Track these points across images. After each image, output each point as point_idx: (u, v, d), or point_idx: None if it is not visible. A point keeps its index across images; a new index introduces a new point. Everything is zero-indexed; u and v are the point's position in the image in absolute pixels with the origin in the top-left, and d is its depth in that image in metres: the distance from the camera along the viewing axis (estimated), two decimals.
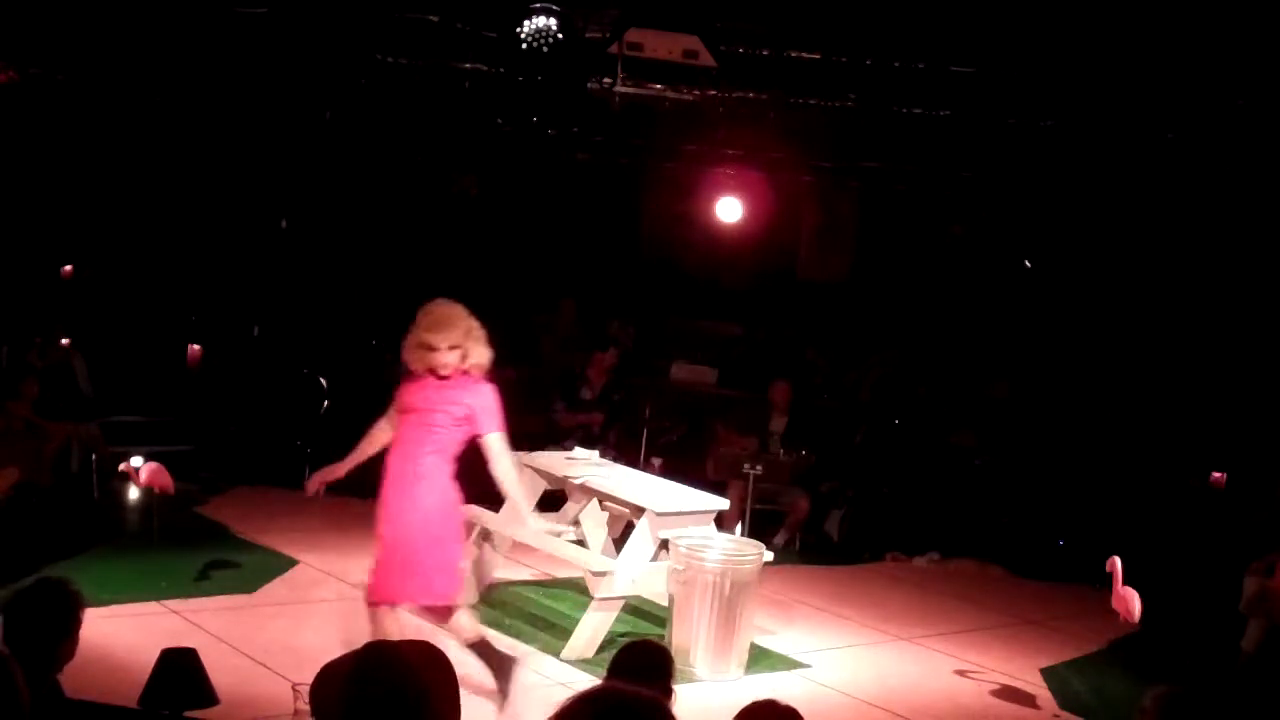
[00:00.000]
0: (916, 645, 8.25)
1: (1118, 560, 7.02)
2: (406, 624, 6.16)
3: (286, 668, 6.36)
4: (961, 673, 7.77)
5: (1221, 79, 8.95)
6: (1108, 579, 7.07)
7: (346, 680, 2.70)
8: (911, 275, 13.04)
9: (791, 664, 7.62)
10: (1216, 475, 10.27)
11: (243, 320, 12.40)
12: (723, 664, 7.17)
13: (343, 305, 12.25)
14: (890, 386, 11.94)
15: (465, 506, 6.77)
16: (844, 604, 8.98)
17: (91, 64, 10.12)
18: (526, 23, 8.78)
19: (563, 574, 8.59)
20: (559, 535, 7.28)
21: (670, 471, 9.43)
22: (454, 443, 5.98)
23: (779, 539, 10.18)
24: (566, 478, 8.04)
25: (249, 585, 8.07)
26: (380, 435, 6.17)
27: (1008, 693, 7.49)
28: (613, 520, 8.38)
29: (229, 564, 8.47)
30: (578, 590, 8.13)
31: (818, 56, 9.71)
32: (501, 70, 9.95)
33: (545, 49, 8.78)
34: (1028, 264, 12.47)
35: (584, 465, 8.33)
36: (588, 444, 9.39)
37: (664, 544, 7.39)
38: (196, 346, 11.50)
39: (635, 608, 7.96)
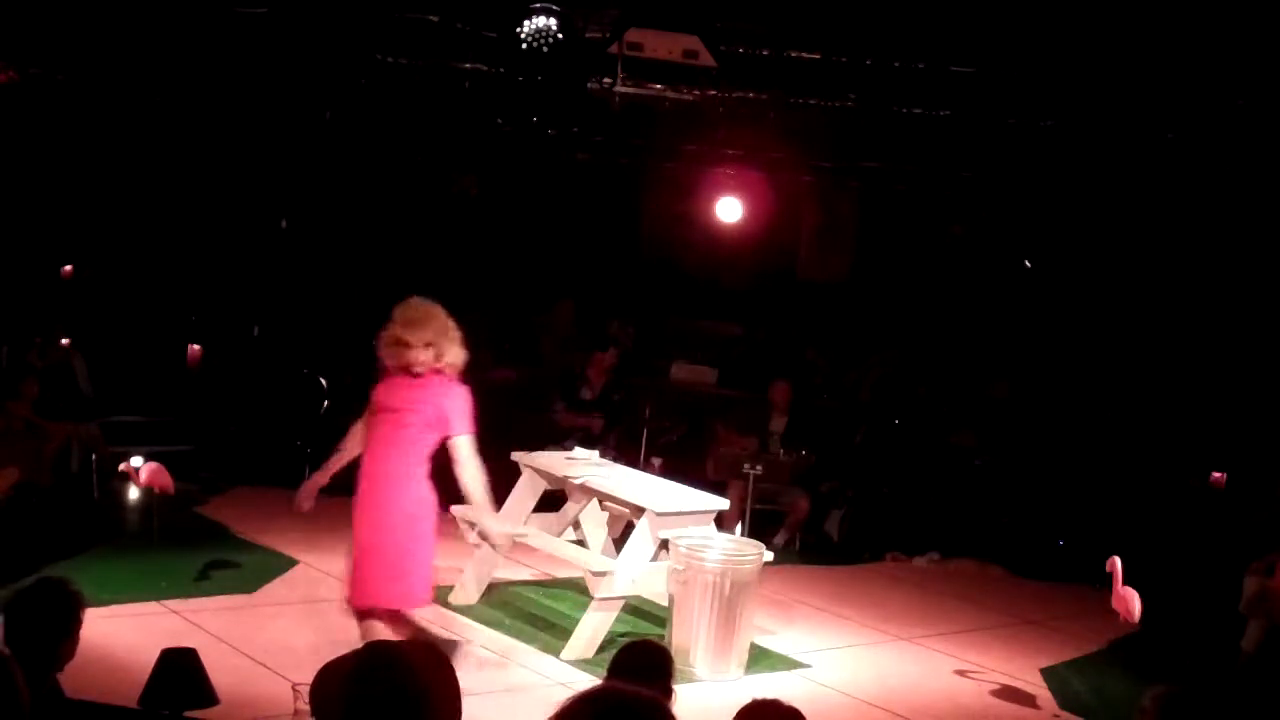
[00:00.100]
0: (916, 645, 8.25)
1: (1118, 560, 7.02)
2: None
3: (286, 668, 6.36)
4: (961, 673, 7.77)
5: (1221, 79, 8.94)
6: (1108, 579, 7.07)
7: (346, 680, 2.69)
8: (911, 275, 13.04)
9: (791, 664, 7.62)
10: (1216, 475, 10.27)
11: (243, 320, 12.40)
12: (723, 664, 7.17)
13: (343, 305, 12.25)
14: (890, 386, 11.94)
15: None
16: (844, 604, 8.98)
17: (91, 64, 10.12)
18: (526, 23, 8.78)
19: (563, 574, 8.59)
20: (521, 537, 7.41)
21: (670, 471, 9.44)
22: (428, 443, 5.97)
23: (779, 539, 10.18)
24: (566, 478, 8.04)
25: (249, 585, 8.07)
26: (361, 436, 6.18)
27: (1008, 693, 7.49)
28: (613, 520, 8.39)
29: (229, 564, 8.47)
30: (578, 590, 8.12)
31: (818, 56, 9.70)
32: (501, 70, 9.95)
33: (545, 49, 8.78)
34: (1028, 264, 12.48)
35: (584, 465, 8.33)
36: (588, 444, 9.39)
37: (664, 544, 7.39)
38: (196, 346, 11.50)
39: (635, 608, 7.96)
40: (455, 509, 6.89)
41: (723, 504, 7.84)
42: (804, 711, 3.05)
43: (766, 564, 7.45)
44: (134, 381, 11.17)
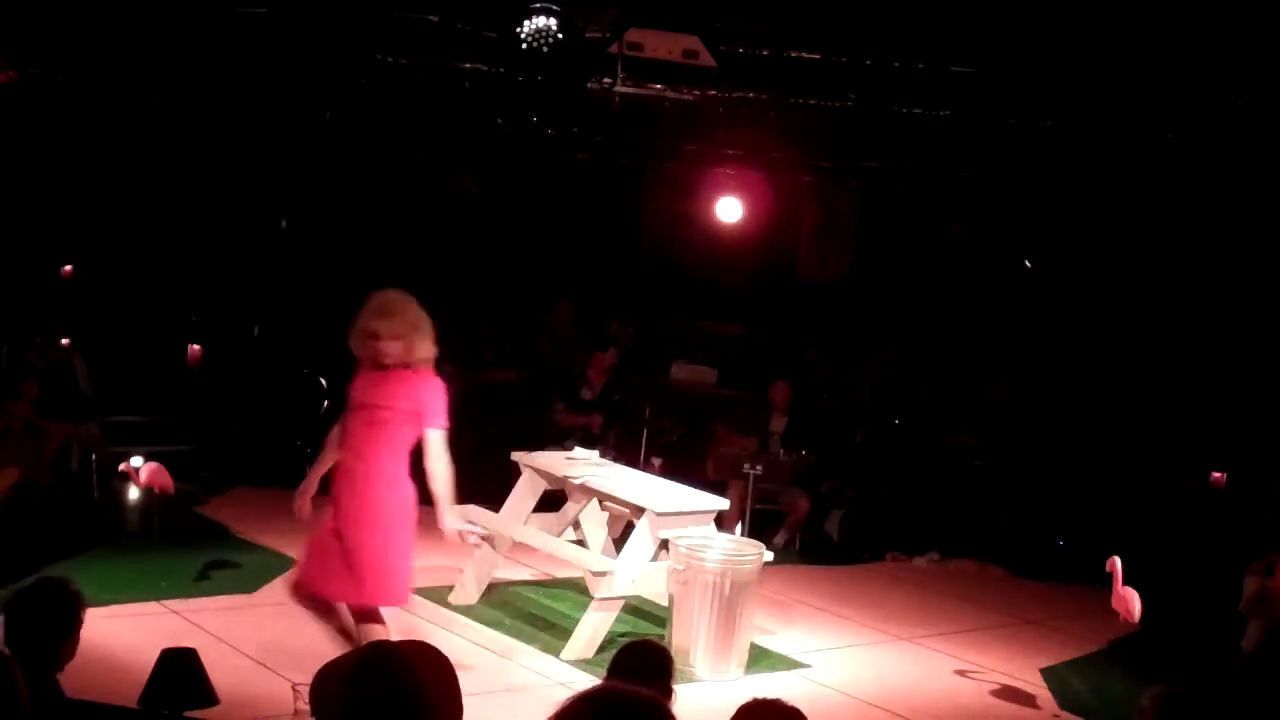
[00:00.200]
0: (916, 645, 8.25)
1: (1118, 560, 7.02)
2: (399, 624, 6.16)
3: (286, 668, 6.36)
4: (961, 673, 7.77)
5: (1221, 79, 8.94)
6: (1108, 579, 7.07)
7: (346, 680, 2.70)
8: (911, 275, 13.04)
9: (791, 664, 7.62)
10: (1216, 475, 10.27)
11: (243, 320, 12.39)
12: (723, 664, 7.17)
13: (343, 305, 12.22)
14: (890, 386, 11.94)
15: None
16: (844, 604, 8.98)
17: (91, 64, 10.12)
18: (526, 23, 8.78)
19: (563, 574, 8.59)
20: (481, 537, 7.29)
21: (670, 471, 9.43)
22: (406, 438, 5.95)
23: (779, 539, 10.18)
24: (566, 478, 8.04)
25: (249, 585, 8.07)
26: (339, 435, 6.16)
27: (1008, 693, 7.49)
28: (613, 520, 8.39)
29: (229, 564, 8.47)
30: (578, 590, 8.12)
31: (818, 56, 9.70)
32: (501, 70, 9.95)
33: (545, 49, 8.78)
34: (1028, 264, 12.48)
35: (584, 465, 8.32)
36: (588, 444, 9.39)
37: (664, 544, 7.39)
38: (196, 346, 11.49)
39: (635, 608, 7.95)
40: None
41: (723, 504, 7.83)
42: (804, 711, 3.05)
43: (766, 564, 7.44)
44: (134, 381, 11.17)
